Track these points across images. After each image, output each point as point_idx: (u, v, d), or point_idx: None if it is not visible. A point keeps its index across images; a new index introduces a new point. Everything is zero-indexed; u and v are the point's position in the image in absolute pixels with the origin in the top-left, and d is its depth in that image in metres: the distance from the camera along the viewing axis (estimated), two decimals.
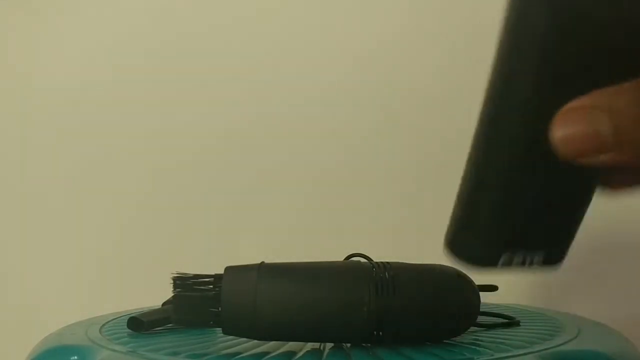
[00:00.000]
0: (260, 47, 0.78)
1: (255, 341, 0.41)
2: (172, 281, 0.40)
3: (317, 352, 0.39)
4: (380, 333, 0.39)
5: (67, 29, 0.80)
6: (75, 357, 0.41)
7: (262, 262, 0.40)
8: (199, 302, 0.39)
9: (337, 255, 0.44)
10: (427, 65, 0.77)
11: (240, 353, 0.39)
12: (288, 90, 0.78)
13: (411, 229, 0.76)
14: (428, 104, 0.76)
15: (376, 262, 0.41)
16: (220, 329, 0.40)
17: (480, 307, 0.42)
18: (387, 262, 0.41)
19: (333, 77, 0.78)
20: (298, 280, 0.39)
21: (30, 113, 0.80)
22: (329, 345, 0.41)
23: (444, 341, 0.41)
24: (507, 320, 0.48)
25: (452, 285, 0.41)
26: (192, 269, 0.41)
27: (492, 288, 0.47)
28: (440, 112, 0.76)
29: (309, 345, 0.41)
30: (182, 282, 0.40)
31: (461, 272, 0.42)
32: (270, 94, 0.78)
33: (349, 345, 0.41)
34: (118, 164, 0.79)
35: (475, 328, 0.45)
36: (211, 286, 0.39)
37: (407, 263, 0.43)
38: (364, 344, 0.40)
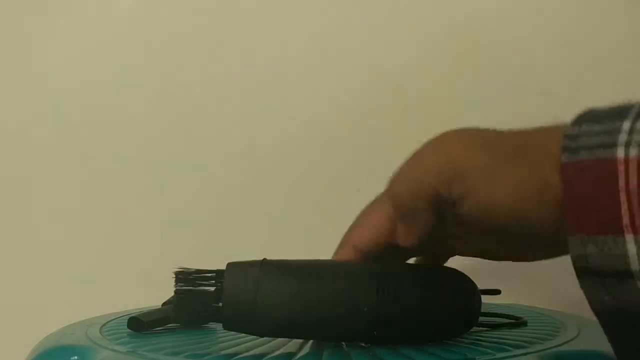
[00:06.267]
0: (262, 48, 0.78)
1: (255, 341, 0.41)
2: (174, 276, 0.40)
3: (317, 352, 0.39)
4: (381, 333, 0.39)
5: (66, 27, 0.80)
6: (75, 357, 0.41)
7: (264, 259, 0.40)
8: (200, 297, 0.39)
9: None
10: (430, 69, 0.77)
11: (240, 353, 0.39)
12: (289, 90, 0.78)
13: None
14: (428, 107, 0.76)
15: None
16: (220, 327, 0.40)
17: (481, 307, 0.42)
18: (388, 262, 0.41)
19: (335, 79, 0.77)
20: (299, 277, 0.39)
21: (27, 113, 0.79)
22: (329, 345, 0.41)
23: (444, 341, 0.41)
24: (512, 321, 0.48)
25: (452, 286, 0.41)
26: (193, 267, 0.41)
27: (495, 292, 0.46)
28: (440, 115, 0.76)
29: (309, 345, 0.41)
30: (184, 278, 0.40)
31: (462, 272, 0.42)
32: (271, 94, 0.78)
33: (349, 345, 0.41)
34: (118, 162, 0.78)
35: (477, 328, 0.45)
36: (213, 282, 0.39)
37: (407, 263, 0.43)
38: (364, 344, 0.40)
